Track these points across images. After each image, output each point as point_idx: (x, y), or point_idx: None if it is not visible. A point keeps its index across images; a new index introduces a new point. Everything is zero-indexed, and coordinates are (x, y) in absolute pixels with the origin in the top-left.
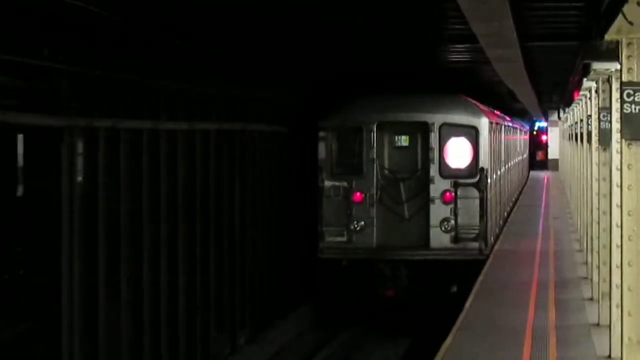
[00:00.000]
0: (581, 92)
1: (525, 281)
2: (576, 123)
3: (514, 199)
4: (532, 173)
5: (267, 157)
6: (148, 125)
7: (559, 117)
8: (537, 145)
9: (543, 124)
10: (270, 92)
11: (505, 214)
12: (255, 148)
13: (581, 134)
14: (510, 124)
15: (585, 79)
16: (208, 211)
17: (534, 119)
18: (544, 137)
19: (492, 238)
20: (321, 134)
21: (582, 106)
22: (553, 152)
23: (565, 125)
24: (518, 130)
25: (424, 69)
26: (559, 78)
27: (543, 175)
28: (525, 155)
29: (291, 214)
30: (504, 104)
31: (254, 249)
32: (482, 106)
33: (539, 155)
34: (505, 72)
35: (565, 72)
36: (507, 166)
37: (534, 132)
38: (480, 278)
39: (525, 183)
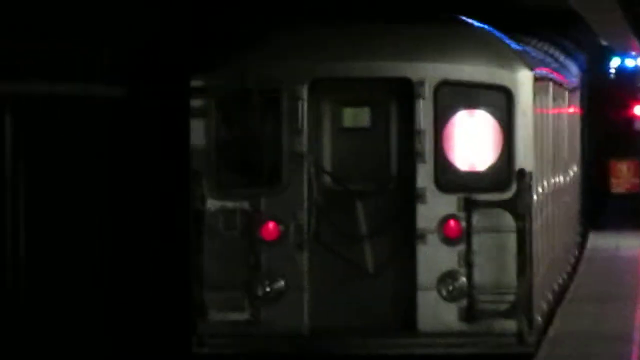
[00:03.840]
0: None
1: None
2: None
3: None
4: (593, 241)
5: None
6: None
7: None
8: (612, 139)
9: (632, 62)
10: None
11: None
12: None
13: None
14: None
15: None
16: None
17: (604, 51)
18: (637, 111)
19: (540, 312)
20: (196, 102)
21: None
22: None
23: None
24: (564, 91)
25: None
26: None
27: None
28: (572, 175)
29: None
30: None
31: None
32: (514, 43)
33: (617, 178)
34: None
35: None
36: (560, 179)
37: (596, 94)
38: None
39: (568, 284)
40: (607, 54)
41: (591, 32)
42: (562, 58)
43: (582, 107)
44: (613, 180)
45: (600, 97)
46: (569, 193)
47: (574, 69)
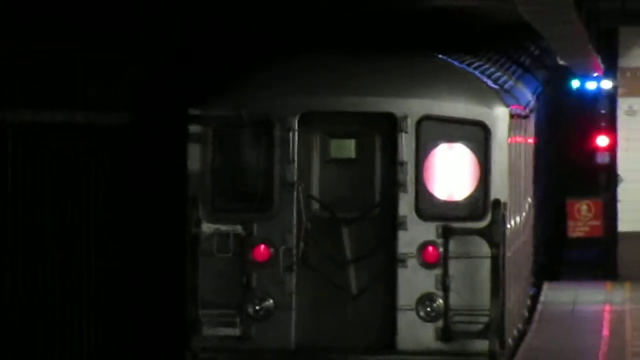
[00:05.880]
0: None
1: None
2: None
3: None
4: (549, 294)
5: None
6: None
7: None
8: (570, 174)
9: (592, 84)
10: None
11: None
12: None
13: None
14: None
15: None
16: None
17: (562, 71)
18: (599, 140)
19: (511, 336)
20: (194, 129)
21: None
22: None
23: None
24: (525, 120)
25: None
26: None
27: (591, 310)
28: (524, 215)
29: None
30: None
31: None
32: (488, 80)
33: (576, 220)
34: None
35: None
36: (524, 210)
37: (553, 121)
38: None
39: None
40: (566, 74)
41: (548, 49)
42: (518, 79)
43: (536, 136)
44: (569, 224)
45: (557, 125)
46: (525, 235)
47: (528, 91)
